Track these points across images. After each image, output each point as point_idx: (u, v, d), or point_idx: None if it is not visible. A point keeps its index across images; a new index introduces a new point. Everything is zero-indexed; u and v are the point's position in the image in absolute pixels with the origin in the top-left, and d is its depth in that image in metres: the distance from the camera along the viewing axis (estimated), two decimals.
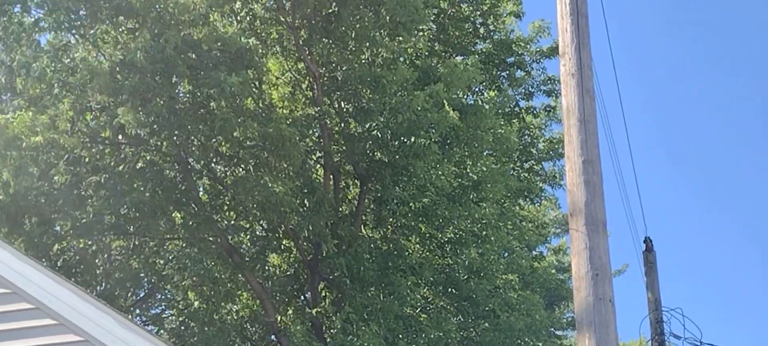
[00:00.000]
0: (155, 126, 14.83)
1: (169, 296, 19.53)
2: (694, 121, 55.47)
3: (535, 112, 23.47)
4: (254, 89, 16.17)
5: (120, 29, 14.53)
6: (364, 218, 17.66)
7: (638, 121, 48.48)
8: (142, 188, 15.43)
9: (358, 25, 16.35)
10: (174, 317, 19.44)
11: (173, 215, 16.36)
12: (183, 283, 17.62)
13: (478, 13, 21.59)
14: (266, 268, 17.64)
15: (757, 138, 53.84)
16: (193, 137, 15.09)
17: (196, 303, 17.56)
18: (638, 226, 25.09)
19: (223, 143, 15.09)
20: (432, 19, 20.08)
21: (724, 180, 55.99)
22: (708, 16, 52.51)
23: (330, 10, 16.42)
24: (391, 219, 17.51)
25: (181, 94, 15.49)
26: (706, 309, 48.14)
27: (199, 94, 14.85)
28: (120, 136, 15.51)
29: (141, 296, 19.52)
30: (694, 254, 53.70)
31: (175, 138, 14.90)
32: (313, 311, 16.17)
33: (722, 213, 54.84)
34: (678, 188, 55.64)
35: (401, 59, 17.02)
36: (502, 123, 20.14)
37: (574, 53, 10.21)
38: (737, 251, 54.42)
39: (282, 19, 16.62)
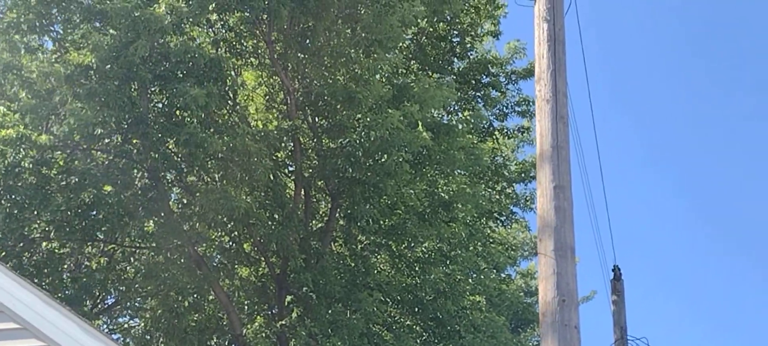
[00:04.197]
0: (120, 133, 14.74)
1: (136, 305, 19.36)
2: (673, 144, 55.80)
3: (508, 132, 23.56)
4: (229, 101, 16.11)
5: (90, 34, 14.39)
6: (334, 234, 17.63)
7: (613, 146, 48.73)
8: (112, 194, 15.31)
9: (333, 41, 16.37)
10: (141, 327, 19.28)
11: (144, 222, 16.26)
12: (147, 289, 17.48)
13: (456, 31, 21.66)
14: (234, 280, 17.55)
15: (735, 161, 54.35)
16: (161, 147, 14.99)
17: (159, 312, 17.42)
18: (607, 253, 25.16)
19: (193, 153, 15.01)
20: (409, 36, 20.13)
21: (699, 205, 56.44)
22: (690, 37, 53.07)
23: (306, 25, 16.42)
24: (360, 236, 17.50)
25: (151, 104, 15.38)
26: (677, 335, 48.53)
27: (166, 103, 14.79)
28: (89, 141, 15.39)
29: (109, 303, 19.34)
30: (664, 279, 54.05)
31: (142, 146, 14.80)
32: (278, 324, 16.10)
33: (697, 238, 55.25)
34: (651, 213, 56.00)
35: (377, 76, 17.04)
36: (475, 142, 20.20)
37: (549, 79, 10.27)
38: (713, 274, 54.83)
39: (258, 32, 16.59)
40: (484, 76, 22.58)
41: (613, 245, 19.73)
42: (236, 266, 17.57)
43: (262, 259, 17.07)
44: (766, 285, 52.81)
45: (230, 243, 17.36)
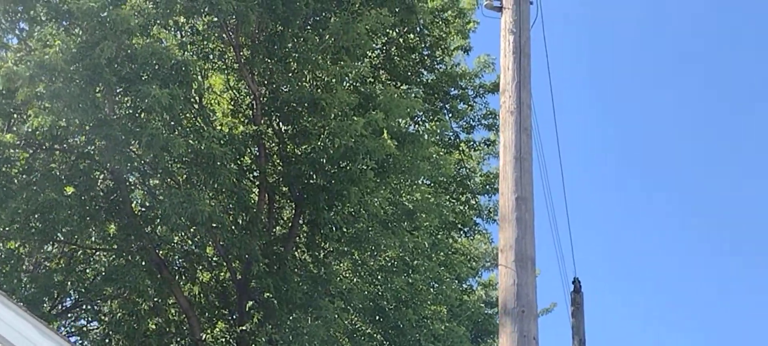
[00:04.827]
0: (83, 135, 14.62)
1: (96, 307, 19.19)
2: (643, 149, 56.53)
3: (474, 145, 23.67)
4: (195, 104, 16.04)
5: (56, 34, 14.27)
6: (296, 240, 17.59)
7: (576, 159, 49.24)
8: (73, 195, 15.19)
9: (301, 47, 16.36)
10: (100, 330, 19.11)
11: (105, 224, 16.13)
12: (107, 291, 17.33)
13: (425, 44, 21.74)
14: (195, 284, 17.46)
15: (705, 165, 55.23)
16: (125, 149, 14.89)
17: (119, 315, 17.28)
18: (568, 266, 25.30)
19: (157, 156, 14.92)
20: (378, 46, 20.17)
21: (669, 211, 57.15)
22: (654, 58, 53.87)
23: (274, 30, 16.40)
24: (323, 243, 17.47)
25: (116, 106, 15.27)
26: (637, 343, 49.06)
27: (130, 105, 14.70)
28: (52, 142, 15.27)
29: (67, 305, 19.15)
30: (623, 293, 54.57)
31: (105, 148, 14.69)
32: (239, 329, 16.03)
33: (663, 246, 55.95)
34: (613, 226, 56.54)
35: (343, 84, 17.05)
36: (441, 153, 20.27)
37: (514, 91, 10.37)
38: (679, 280, 55.44)
39: (225, 36, 16.55)
40: (453, 89, 22.70)
41: (573, 257, 19.95)
42: (198, 270, 17.48)
43: (224, 263, 17.00)
44: (731, 290, 53.59)
45: (192, 247, 17.27)
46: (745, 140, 53.55)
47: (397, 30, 20.41)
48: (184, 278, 17.21)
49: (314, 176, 16.50)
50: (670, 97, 53.90)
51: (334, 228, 16.75)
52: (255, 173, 17.53)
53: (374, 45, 19.19)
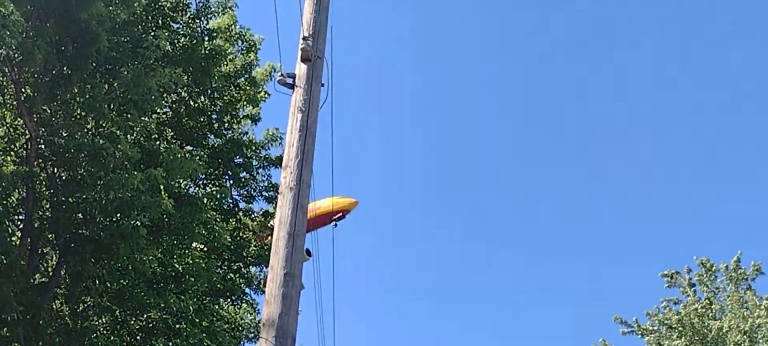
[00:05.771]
0: None
1: None
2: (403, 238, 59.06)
3: (252, 215, 23.60)
4: None
5: None
6: (57, 290, 16.89)
7: (349, 243, 50.33)
8: None
9: (88, 94, 15.93)
10: None
11: None
12: None
13: (216, 108, 21.65)
14: None
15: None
16: None
17: None
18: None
19: None
20: (168, 103, 19.92)
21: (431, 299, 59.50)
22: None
23: (61, 72, 15.91)
24: (85, 296, 16.87)
25: None
26: None
27: None
28: None
29: None
30: None
31: None
32: None
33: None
34: (377, 311, 57.99)
35: (127, 137, 16.70)
36: (218, 219, 20.10)
37: (296, 168, 10.51)
38: None
39: (7, 69, 15.89)
40: (238, 157, 22.64)
41: (334, 339, 20.12)
42: None
43: None
44: None
45: None
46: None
47: (188, 90, 20.26)
48: None
49: (84, 227, 15.96)
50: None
51: (97, 282, 16.23)
52: (21, 216, 16.77)
53: (164, 102, 18.94)
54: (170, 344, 17.37)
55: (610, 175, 63.42)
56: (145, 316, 17.51)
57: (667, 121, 61.89)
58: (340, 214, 28.23)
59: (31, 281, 16.42)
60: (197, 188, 21.23)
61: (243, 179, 22.95)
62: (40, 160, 16.32)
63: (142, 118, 17.15)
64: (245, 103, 22.25)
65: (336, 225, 27.69)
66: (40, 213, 16.42)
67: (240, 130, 22.58)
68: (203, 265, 18.41)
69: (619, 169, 63.42)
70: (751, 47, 60.12)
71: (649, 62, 62.18)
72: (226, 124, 22.14)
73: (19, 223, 16.84)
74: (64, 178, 16.53)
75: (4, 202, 15.78)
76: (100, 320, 17.26)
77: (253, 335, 27.16)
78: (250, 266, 23.53)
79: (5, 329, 15.30)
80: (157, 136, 18.63)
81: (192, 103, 20.76)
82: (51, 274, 16.81)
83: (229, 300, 22.44)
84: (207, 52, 19.42)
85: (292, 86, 11.16)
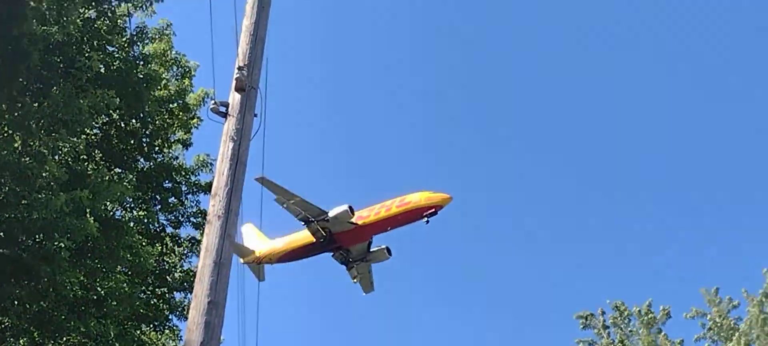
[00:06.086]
0: None
1: None
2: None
3: (179, 241, 23.37)
4: None
5: None
6: None
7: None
8: None
9: (16, 112, 15.70)
10: None
11: None
12: None
13: (146, 131, 21.46)
14: None
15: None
16: None
17: None
18: None
19: None
20: (98, 125, 19.70)
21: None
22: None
23: None
24: (2, 317, 16.52)
25: None
26: None
27: None
28: None
29: None
30: None
31: None
32: None
33: None
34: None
35: (55, 157, 16.48)
36: (144, 243, 19.86)
37: (225, 197, 10.53)
38: None
39: None
40: (167, 181, 22.45)
41: None
42: None
43: None
44: None
45: None
46: None
47: (120, 112, 20.07)
48: None
49: (5, 246, 15.66)
50: None
51: (16, 303, 15.92)
52: None
53: (94, 123, 18.75)
54: None
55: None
56: (65, 339, 17.19)
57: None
58: (433, 210, 26.75)
59: None
60: (124, 212, 20.98)
61: (171, 204, 22.73)
62: None
63: (72, 139, 16.95)
64: (177, 128, 22.13)
65: (428, 221, 26.52)
66: None
67: (170, 155, 22.42)
68: (126, 289, 18.17)
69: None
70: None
71: None
72: (157, 148, 21.98)
73: None
74: None
75: None
76: (17, 343, 16.91)
77: None
78: (175, 292, 23.28)
79: None
80: (85, 157, 18.40)
81: (123, 125, 20.57)
82: None
83: (151, 326, 22.15)
84: (141, 76, 19.30)
85: (225, 115, 11.19)
